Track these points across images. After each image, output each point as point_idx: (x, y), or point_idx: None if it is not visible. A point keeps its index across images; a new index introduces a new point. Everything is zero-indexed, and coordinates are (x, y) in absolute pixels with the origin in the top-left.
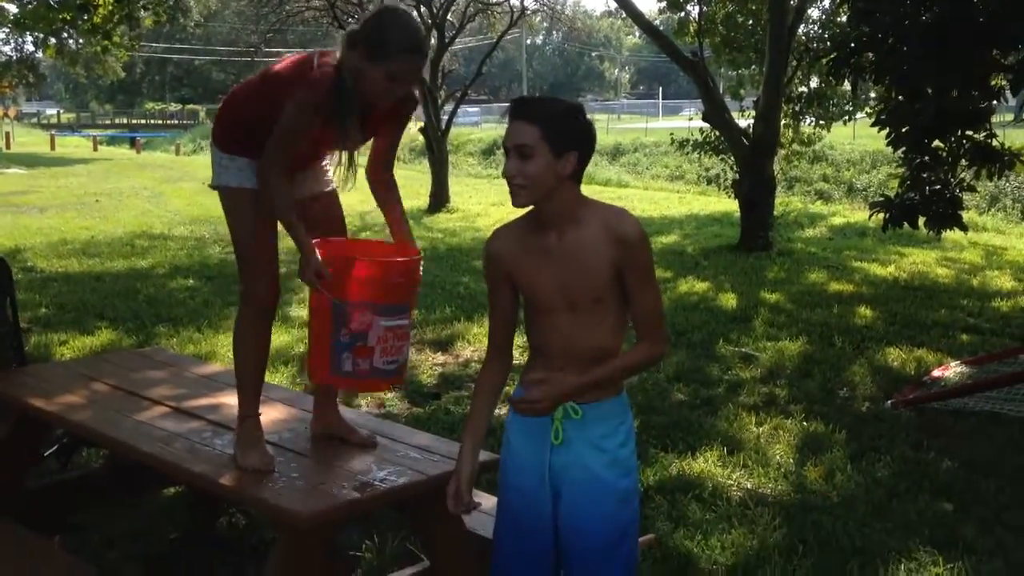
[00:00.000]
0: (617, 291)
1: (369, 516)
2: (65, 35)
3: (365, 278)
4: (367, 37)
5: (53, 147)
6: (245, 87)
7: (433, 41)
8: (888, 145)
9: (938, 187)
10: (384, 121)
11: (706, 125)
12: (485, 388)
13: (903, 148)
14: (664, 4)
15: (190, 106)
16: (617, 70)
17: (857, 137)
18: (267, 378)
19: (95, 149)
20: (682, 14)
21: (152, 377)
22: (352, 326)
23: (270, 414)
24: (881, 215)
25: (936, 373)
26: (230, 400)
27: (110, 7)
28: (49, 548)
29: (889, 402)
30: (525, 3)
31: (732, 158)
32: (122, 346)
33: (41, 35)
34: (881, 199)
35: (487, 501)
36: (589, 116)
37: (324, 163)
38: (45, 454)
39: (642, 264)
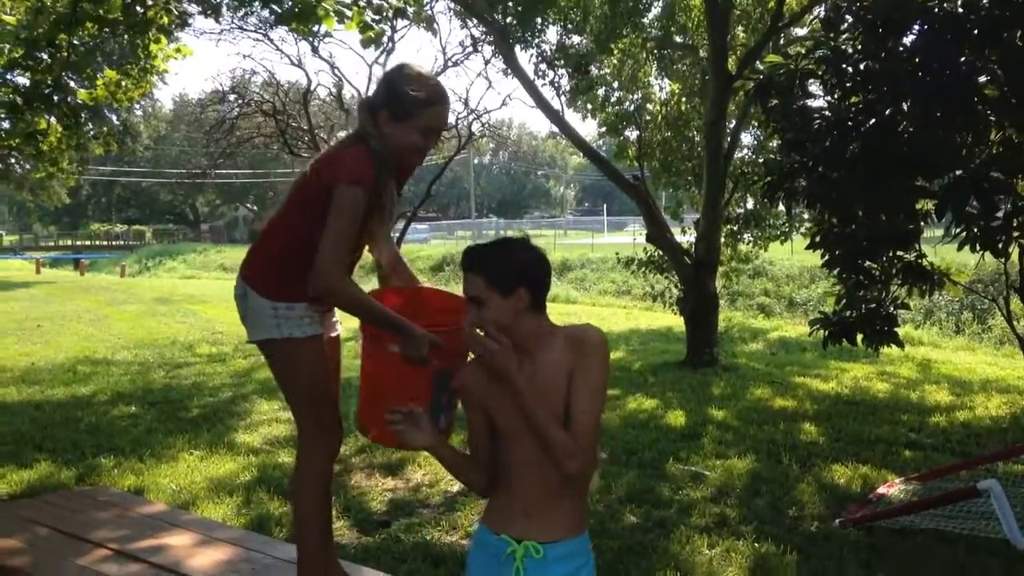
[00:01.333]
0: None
1: None
2: (12, 160)
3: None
4: (389, 100)
5: None
6: (278, 223)
7: None
8: (823, 267)
9: (873, 305)
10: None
11: (650, 244)
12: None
13: (838, 268)
14: (603, 130)
15: (136, 227)
16: (562, 188)
17: (795, 252)
18: (211, 511)
19: (38, 272)
20: (621, 138)
21: (94, 518)
22: (454, 384)
23: (214, 555)
24: (820, 332)
25: (881, 490)
26: (173, 541)
27: (58, 135)
28: None
29: (837, 521)
30: (472, 128)
31: (676, 276)
32: (61, 479)
33: None
34: (820, 316)
35: None
36: (534, 243)
37: (333, 314)
38: None
39: (588, 367)
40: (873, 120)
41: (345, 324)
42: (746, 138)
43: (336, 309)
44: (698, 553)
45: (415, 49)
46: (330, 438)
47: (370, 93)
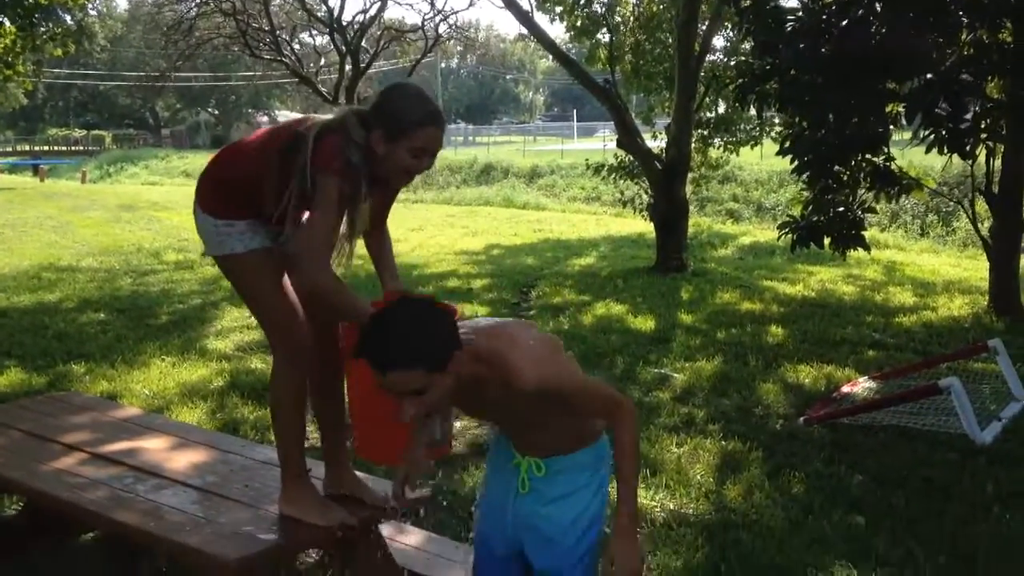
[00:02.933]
0: (551, 404)
1: (294, 559)
2: None
3: None
4: (382, 119)
5: None
6: (236, 153)
7: (348, 68)
8: (793, 172)
9: (841, 209)
10: (380, 185)
11: (620, 150)
12: None
13: (807, 173)
14: (570, 34)
15: (96, 132)
16: (532, 93)
17: (764, 157)
18: (185, 416)
19: None
20: (592, 42)
21: (69, 422)
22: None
23: (191, 456)
24: (788, 236)
25: (845, 389)
26: (149, 444)
27: (13, 37)
28: None
29: (802, 419)
30: (439, 30)
31: (646, 181)
32: (32, 385)
33: None
34: (788, 220)
35: (414, 537)
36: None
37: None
38: None
39: (557, 390)
40: (845, 22)
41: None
42: (718, 41)
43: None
44: (666, 451)
45: None
46: (302, 348)
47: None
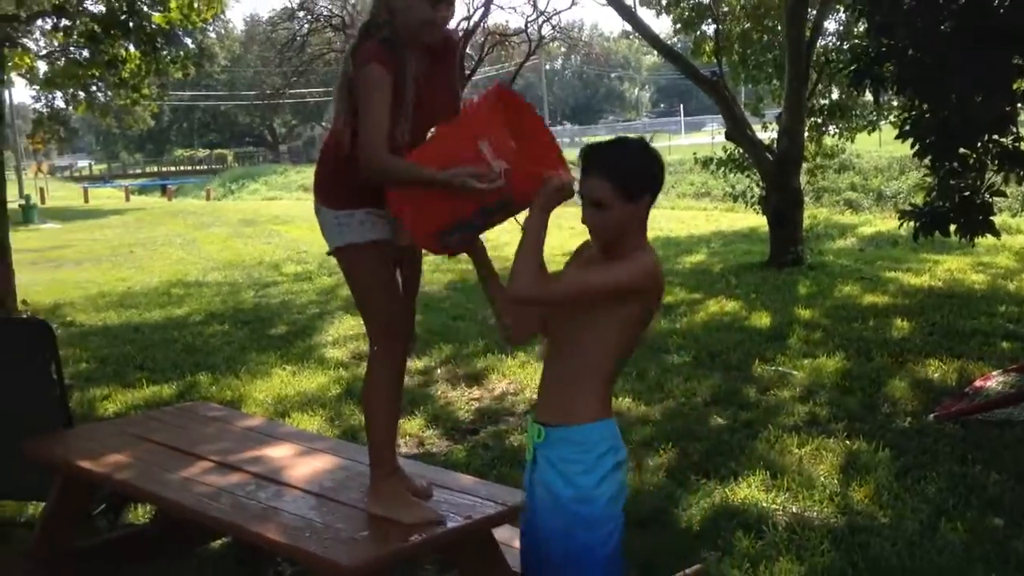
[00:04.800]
0: (595, 314)
1: (415, 563)
2: (94, 88)
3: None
4: None
5: (87, 200)
6: (338, 137)
7: None
8: (914, 156)
9: (968, 194)
10: (430, 77)
11: (729, 143)
12: None
13: (930, 157)
14: (678, 26)
15: (218, 150)
16: (637, 90)
17: (883, 144)
18: (304, 423)
19: (127, 199)
20: (697, 34)
21: (196, 432)
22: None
23: (312, 463)
24: (912, 223)
25: (978, 384)
26: (271, 452)
27: (137, 62)
28: None
29: (932, 416)
30: (543, 32)
31: (758, 174)
32: (163, 397)
33: (71, 91)
34: (910, 208)
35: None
36: (650, 147)
37: None
38: (94, 513)
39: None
40: None
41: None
42: (830, 25)
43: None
44: (787, 452)
45: None
46: (396, 346)
47: None
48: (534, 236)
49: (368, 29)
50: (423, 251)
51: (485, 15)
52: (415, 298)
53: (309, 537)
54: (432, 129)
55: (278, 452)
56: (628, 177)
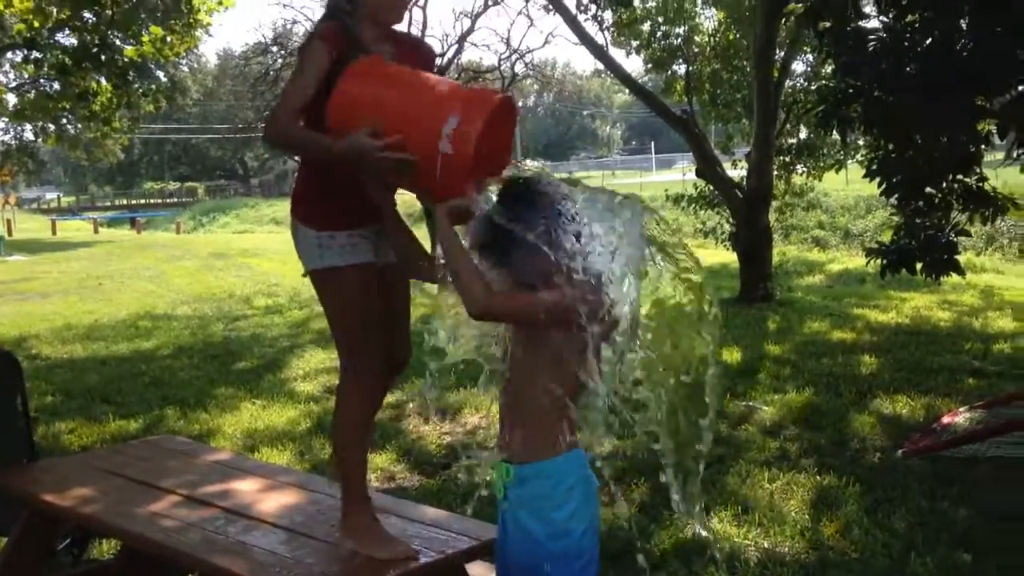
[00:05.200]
0: (542, 336)
1: None
2: (64, 121)
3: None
4: None
5: (54, 232)
6: None
7: None
8: (881, 195)
9: (933, 232)
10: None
11: (700, 180)
12: None
13: (896, 196)
14: (649, 66)
15: (189, 183)
16: (609, 127)
17: (850, 183)
18: (274, 458)
19: (96, 231)
20: (668, 73)
21: (163, 466)
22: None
23: (281, 498)
24: (879, 261)
25: (946, 420)
26: (242, 486)
27: (109, 95)
28: None
29: (900, 451)
30: (516, 69)
31: (728, 211)
32: (130, 431)
33: (41, 123)
34: (877, 246)
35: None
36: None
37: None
38: (58, 547)
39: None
40: (930, 39)
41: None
42: (798, 66)
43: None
44: (759, 487)
45: None
46: (368, 378)
47: None
48: (458, 247)
49: (331, 12)
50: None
51: (459, 52)
52: (407, 326)
53: (279, 573)
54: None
55: (246, 486)
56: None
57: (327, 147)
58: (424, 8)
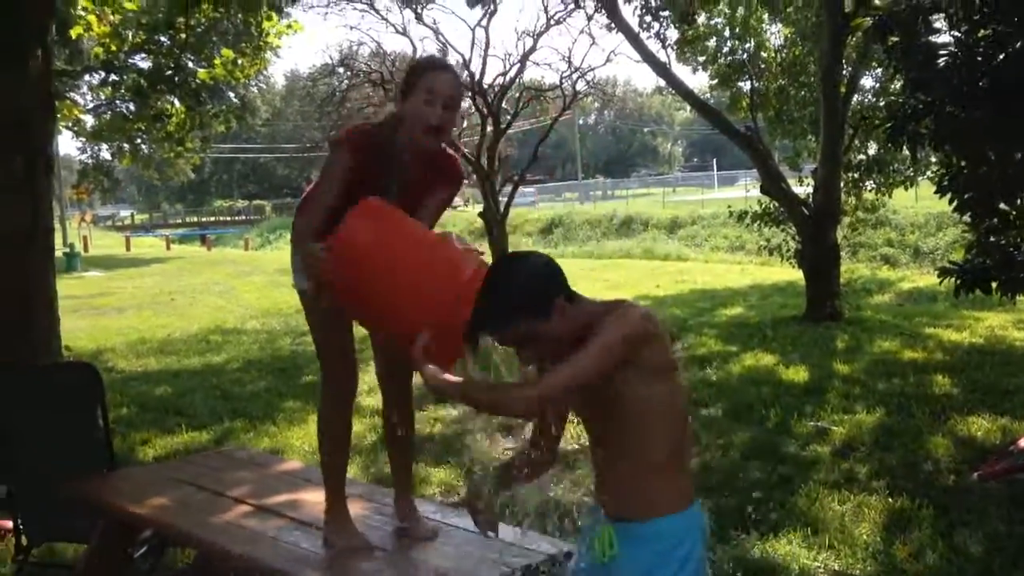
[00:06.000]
0: (636, 388)
1: None
2: (138, 141)
3: None
4: (401, 80)
5: (128, 248)
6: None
7: (489, 129)
8: (953, 211)
9: (1010, 250)
10: (424, 189)
11: (764, 196)
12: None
13: (969, 213)
14: (715, 82)
15: (256, 201)
16: (670, 144)
17: (920, 199)
18: None
19: (168, 248)
20: (733, 90)
21: (234, 477)
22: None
23: (351, 509)
24: (952, 280)
25: (1023, 443)
26: (310, 497)
27: (182, 116)
28: None
29: (976, 474)
30: (577, 87)
31: (793, 228)
32: (201, 442)
33: (116, 143)
34: (950, 265)
35: None
36: (516, 260)
37: None
38: (135, 555)
39: (603, 323)
40: (1004, 54)
41: None
42: (866, 81)
43: None
44: (828, 508)
45: (518, 8)
46: (339, 391)
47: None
48: (458, 386)
49: (374, 124)
50: None
51: (521, 70)
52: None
53: None
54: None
55: (316, 497)
56: (528, 299)
57: (304, 242)
58: (487, 28)
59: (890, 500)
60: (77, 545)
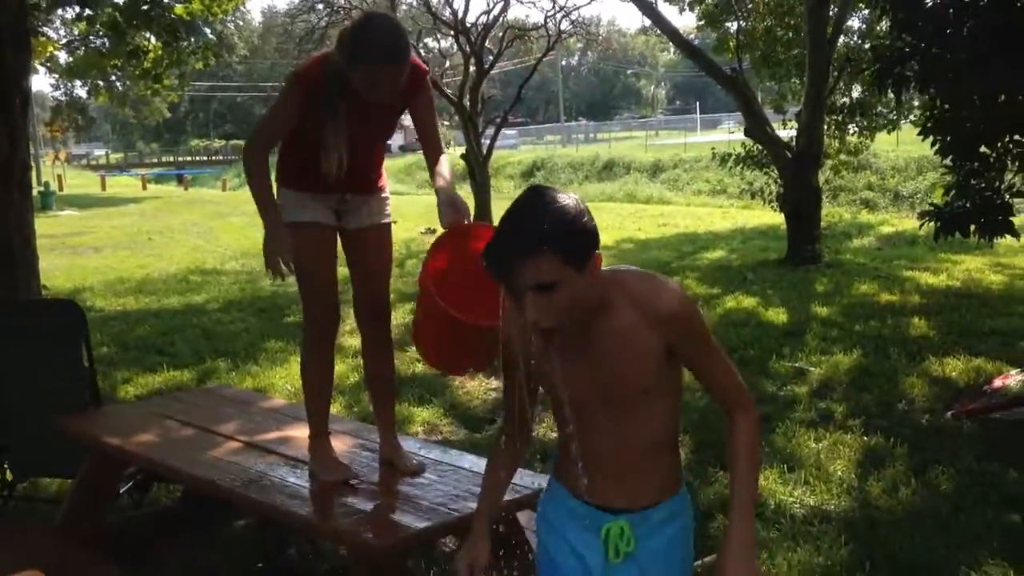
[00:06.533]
0: (667, 374)
1: (435, 544)
2: (113, 78)
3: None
4: (345, 44)
5: (104, 188)
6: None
7: (472, 69)
8: (936, 153)
9: (988, 193)
10: (393, 110)
11: (747, 139)
12: (500, 473)
13: (950, 156)
14: (702, 22)
15: (234, 141)
16: (653, 87)
17: (901, 144)
18: None
19: (144, 188)
20: (720, 30)
21: (221, 413)
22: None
23: (336, 445)
24: (931, 224)
25: (997, 383)
26: (297, 433)
27: (159, 52)
28: None
29: (950, 413)
30: (561, 27)
31: (775, 171)
32: (183, 381)
33: (91, 80)
34: (930, 208)
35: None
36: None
37: (384, 195)
38: (120, 491)
39: (698, 335)
40: None
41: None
42: (853, 22)
43: (384, 197)
44: (804, 446)
45: None
46: (319, 326)
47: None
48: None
49: (335, 50)
50: (389, 234)
51: (505, 9)
52: (383, 284)
53: (339, 515)
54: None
55: (301, 433)
56: (574, 241)
57: (262, 205)
58: None
59: (865, 438)
60: (62, 481)
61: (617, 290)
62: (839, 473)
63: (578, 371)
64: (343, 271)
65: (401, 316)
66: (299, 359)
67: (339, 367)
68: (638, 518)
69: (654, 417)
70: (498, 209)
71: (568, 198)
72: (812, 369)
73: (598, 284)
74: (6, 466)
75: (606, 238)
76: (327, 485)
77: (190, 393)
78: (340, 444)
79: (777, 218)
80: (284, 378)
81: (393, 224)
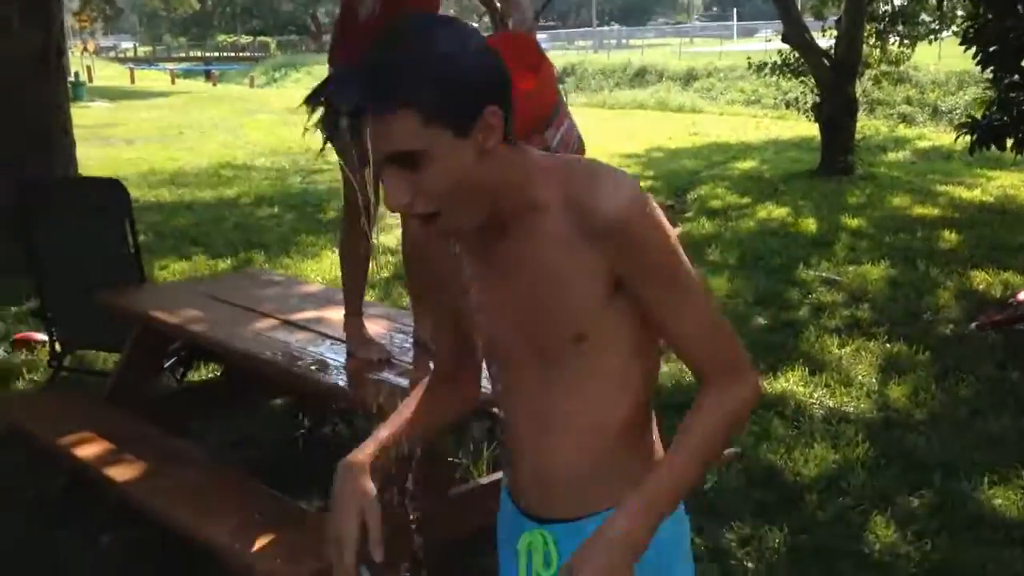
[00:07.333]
0: (617, 318)
1: (464, 425)
2: None
3: None
4: None
5: (133, 80)
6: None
7: None
8: (976, 64)
9: None
10: None
11: (784, 47)
12: (428, 396)
13: (992, 67)
14: None
15: (261, 38)
16: None
17: (943, 57)
18: None
19: (173, 82)
20: None
21: (261, 294)
22: None
23: (371, 327)
24: (967, 137)
25: (1022, 296)
26: (333, 315)
27: None
28: (180, 446)
29: (974, 324)
30: None
31: (812, 81)
32: (219, 270)
33: None
34: (968, 120)
35: None
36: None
37: None
38: (164, 367)
39: (655, 263)
40: None
41: None
42: None
43: None
44: (828, 352)
45: None
46: (356, 209)
47: None
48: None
49: None
50: None
51: None
52: None
53: (377, 392)
54: None
55: (338, 315)
56: (441, 91)
57: None
58: None
59: (888, 346)
60: (107, 355)
61: (553, 186)
62: (860, 378)
63: (494, 300)
64: None
65: None
66: (336, 245)
67: (372, 263)
68: (569, 529)
69: (599, 382)
70: None
71: (456, 30)
72: (840, 279)
73: (507, 164)
74: (55, 337)
75: (635, 146)
76: (363, 362)
77: (230, 276)
78: (374, 327)
79: (812, 129)
80: (316, 271)
81: None
